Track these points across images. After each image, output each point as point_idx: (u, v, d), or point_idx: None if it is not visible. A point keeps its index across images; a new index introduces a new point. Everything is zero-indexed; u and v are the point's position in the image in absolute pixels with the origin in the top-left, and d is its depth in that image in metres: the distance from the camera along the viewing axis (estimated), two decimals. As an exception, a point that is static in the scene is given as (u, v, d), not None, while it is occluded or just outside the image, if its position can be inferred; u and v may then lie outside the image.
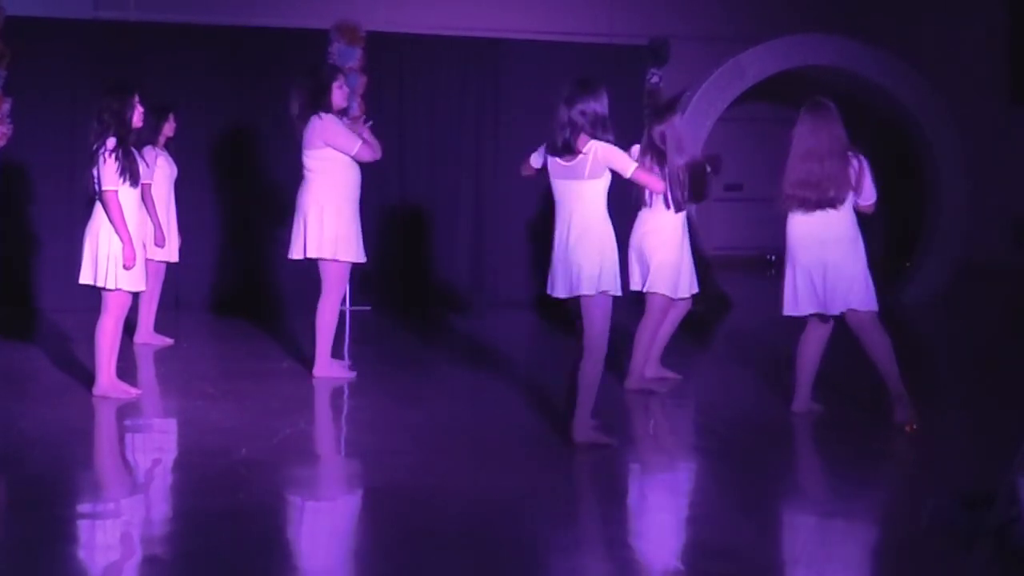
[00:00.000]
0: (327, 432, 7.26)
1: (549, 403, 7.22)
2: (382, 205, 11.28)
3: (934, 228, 13.00)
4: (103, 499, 5.76)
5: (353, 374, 8.27)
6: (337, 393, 7.95)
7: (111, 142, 7.19)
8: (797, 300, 7.09)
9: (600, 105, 6.37)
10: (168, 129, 9.29)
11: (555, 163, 6.45)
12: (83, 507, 5.56)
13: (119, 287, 7.25)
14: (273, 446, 6.46)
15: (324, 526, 5.49)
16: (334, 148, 7.85)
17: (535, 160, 6.65)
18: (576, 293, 6.40)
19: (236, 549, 4.95)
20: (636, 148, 7.81)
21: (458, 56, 12.08)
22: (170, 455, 6.63)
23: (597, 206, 6.41)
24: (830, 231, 6.98)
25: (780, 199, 7.09)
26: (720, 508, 5.74)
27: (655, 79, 12.22)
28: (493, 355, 9.35)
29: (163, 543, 5.05)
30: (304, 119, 7.90)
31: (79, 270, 7.33)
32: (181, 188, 9.62)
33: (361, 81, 11.35)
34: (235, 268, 11.46)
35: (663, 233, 7.82)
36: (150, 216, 8.53)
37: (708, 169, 7.99)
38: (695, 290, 8.06)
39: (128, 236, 7.19)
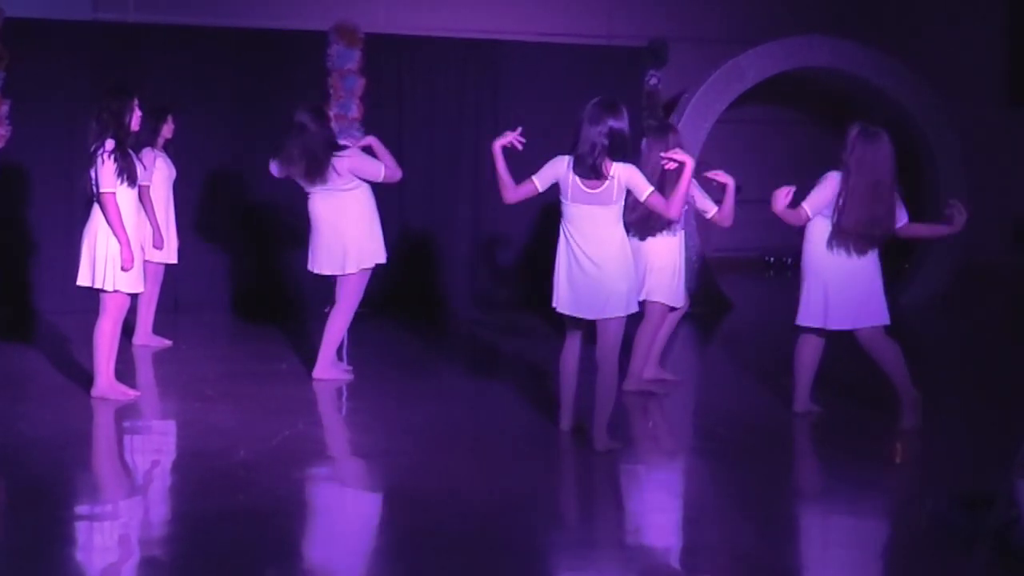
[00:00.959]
0: (326, 434, 7.25)
1: (548, 405, 7.21)
2: (380, 206, 11.26)
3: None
4: (102, 501, 5.75)
5: (352, 376, 8.26)
6: (336, 395, 7.95)
7: (109, 144, 7.18)
8: (810, 311, 7.07)
9: (622, 125, 6.32)
10: (167, 131, 9.28)
11: (577, 187, 6.35)
12: (82, 509, 5.56)
13: (117, 289, 7.25)
14: (272, 448, 6.46)
15: (323, 527, 5.49)
16: (361, 178, 7.92)
17: (539, 183, 6.51)
18: (605, 316, 6.40)
19: (235, 551, 4.95)
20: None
21: (457, 58, 12.08)
22: (169, 457, 6.63)
23: (619, 228, 6.41)
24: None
25: (835, 233, 6.90)
26: (720, 509, 5.74)
27: (654, 81, 12.22)
28: (492, 357, 9.35)
29: (162, 545, 5.05)
30: (325, 154, 7.87)
31: (77, 272, 7.33)
32: (180, 190, 9.61)
33: (360, 83, 11.35)
34: (234, 270, 11.45)
35: (662, 240, 7.81)
36: (148, 218, 8.53)
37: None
38: (682, 302, 8.00)
39: (126, 237, 7.19)
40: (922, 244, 13.07)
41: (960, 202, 7.09)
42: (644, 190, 6.34)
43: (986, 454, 6.38)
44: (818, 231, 7.02)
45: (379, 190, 8.24)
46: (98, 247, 7.22)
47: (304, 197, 8.14)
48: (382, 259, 8.16)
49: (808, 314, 7.07)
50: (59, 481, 5.96)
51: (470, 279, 12.07)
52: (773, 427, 7.20)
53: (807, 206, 7.00)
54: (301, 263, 8.19)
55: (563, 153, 6.45)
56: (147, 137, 8.78)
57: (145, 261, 7.91)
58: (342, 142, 8.32)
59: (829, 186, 6.96)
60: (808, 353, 7.21)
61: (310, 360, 8.24)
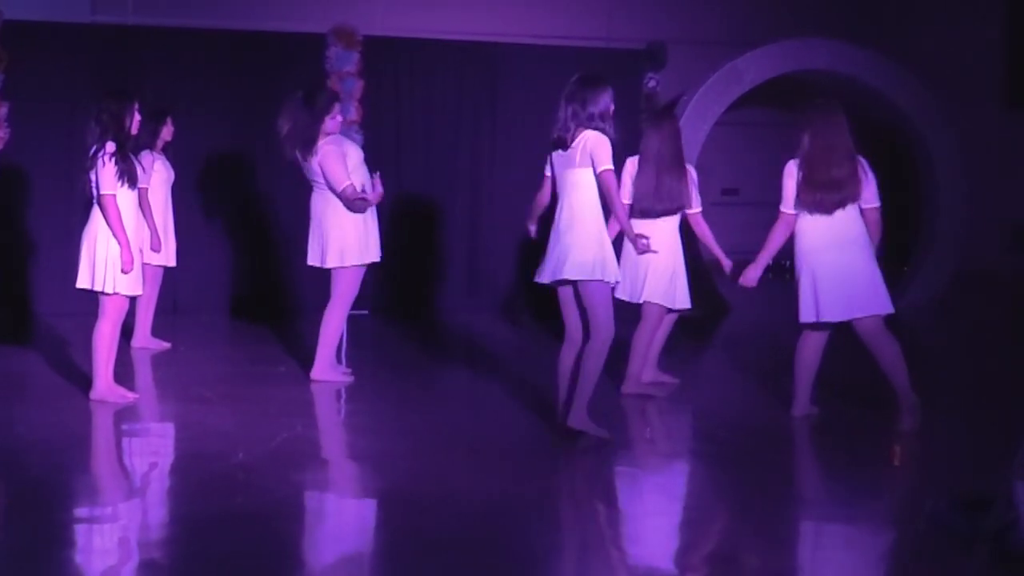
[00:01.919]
0: (324, 436, 7.25)
1: (547, 407, 7.21)
2: (378, 208, 11.25)
3: (931, 232, 13.00)
4: (100, 503, 5.75)
5: (351, 378, 8.26)
6: (335, 397, 7.95)
7: (110, 146, 7.18)
8: (804, 305, 7.06)
9: (598, 102, 6.40)
10: (166, 133, 9.28)
11: (556, 156, 6.53)
12: (80, 511, 5.56)
13: (117, 291, 7.25)
14: (270, 450, 6.45)
15: (322, 530, 5.48)
16: (325, 175, 7.85)
17: (547, 170, 6.66)
18: (559, 277, 6.43)
19: (233, 553, 4.94)
20: (632, 160, 7.84)
21: (455, 60, 12.09)
22: (167, 459, 6.63)
23: (590, 195, 6.43)
24: (849, 232, 6.96)
25: (796, 201, 6.97)
26: (718, 512, 5.74)
27: (652, 83, 12.23)
28: (490, 359, 9.34)
29: (160, 547, 5.05)
30: (305, 148, 7.85)
31: (77, 274, 7.33)
32: (179, 192, 9.62)
33: (358, 85, 11.35)
34: (233, 272, 11.45)
35: (658, 239, 7.80)
36: (146, 220, 8.52)
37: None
38: (687, 304, 8.00)
39: (126, 240, 7.19)
40: (919, 248, 13.09)
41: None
42: (600, 164, 6.39)
43: (985, 456, 6.39)
44: (801, 226, 7.03)
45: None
46: (98, 249, 7.22)
47: (304, 198, 8.15)
48: (373, 258, 8.09)
49: (803, 309, 7.06)
50: (58, 483, 5.95)
51: (468, 281, 12.07)
52: (773, 430, 7.19)
53: (782, 206, 7.05)
54: (300, 265, 8.19)
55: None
56: (146, 139, 8.78)
57: (144, 264, 7.91)
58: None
59: (789, 174, 7.02)
60: (808, 352, 7.16)
61: (309, 362, 8.23)
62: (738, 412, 7.78)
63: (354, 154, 8.09)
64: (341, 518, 5.68)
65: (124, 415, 7.27)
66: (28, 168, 10.72)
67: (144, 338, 9.34)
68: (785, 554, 5.17)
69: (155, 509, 5.67)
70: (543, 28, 13.81)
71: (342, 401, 7.91)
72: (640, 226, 7.82)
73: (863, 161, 7.01)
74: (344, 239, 7.92)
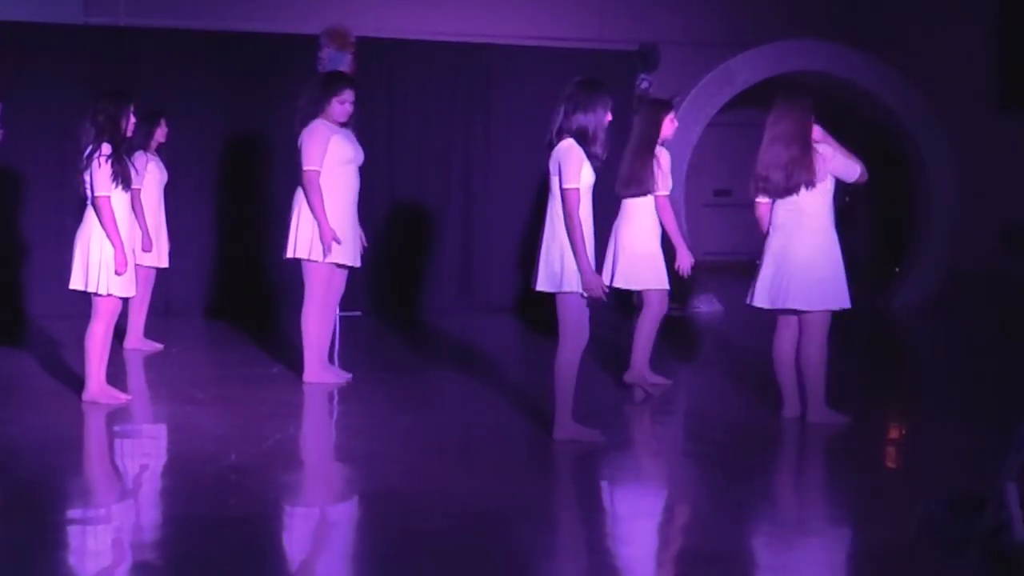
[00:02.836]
0: (317, 437, 7.25)
1: (540, 408, 7.22)
2: (372, 210, 11.28)
3: (923, 233, 13.02)
4: (93, 505, 5.75)
5: (346, 378, 8.22)
6: (327, 398, 7.94)
7: (106, 148, 7.17)
8: (755, 291, 7.11)
9: (594, 108, 6.39)
10: (160, 134, 9.27)
11: (550, 159, 6.53)
12: (73, 513, 5.55)
13: (110, 293, 7.24)
14: (263, 452, 6.45)
15: (314, 532, 5.48)
16: (301, 151, 7.78)
17: None
18: (537, 288, 6.46)
19: (226, 555, 4.94)
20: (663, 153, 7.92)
21: (448, 61, 12.08)
22: (160, 461, 6.62)
23: (558, 204, 6.41)
24: (804, 220, 6.98)
25: (751, 185, 7.12)
26: (711, 514, 5.74)
27: (645, 84, 12.23)
28: (483, 360, 9.35)
29: (153, 549, 5.05)
30: (303, 123, 7.85)
31: (70, 275, 7.32)
32: (172, 193, 9.61)
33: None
34: (226, 273, 11.44)
35: (637, 223, 7.82)
36: (138, 222, 8.52)
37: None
38: (666, 285, 7.97)
39: (120, 241, 7.18)
40: (911, 249, 13.11)
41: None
42: (565, 180, 6.31)
43: (976, 457, 6.39)
44: (773, 215, 7.09)
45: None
46: (91, 251, 7.21)
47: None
48: (347, 260, 7.91)
49: (756, 293, 7.09)
50: (50, 485, 5.95)
51: (461, 282, 12.08)
52: (764, 431, 7.20)
53: (755, 196, 7.16)
54: (293, 267, 8.17)
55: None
56: (140, 141, 8.78)
57: (136, 265, 7.90)
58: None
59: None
60: (781, 352, 7.18)
61: (301, 364, 8.22)
62: (730, 414, 7.76)
63: (347, 150, 7.88)
64: (334, 520, 5.68)
65: (117, 417, 7.26)
66: (20, 169, 10.71)
67: (137, 340, 9.34)
68: (777, 555, 5.18)
69: (148, 511, 5.67)
70: (536, 29, 13.84)
71: (334, 403, 7.91)
72: (622, 210, 7.88)
73: (823, 149, 7.00)
74: (302, 230, 7.80)
